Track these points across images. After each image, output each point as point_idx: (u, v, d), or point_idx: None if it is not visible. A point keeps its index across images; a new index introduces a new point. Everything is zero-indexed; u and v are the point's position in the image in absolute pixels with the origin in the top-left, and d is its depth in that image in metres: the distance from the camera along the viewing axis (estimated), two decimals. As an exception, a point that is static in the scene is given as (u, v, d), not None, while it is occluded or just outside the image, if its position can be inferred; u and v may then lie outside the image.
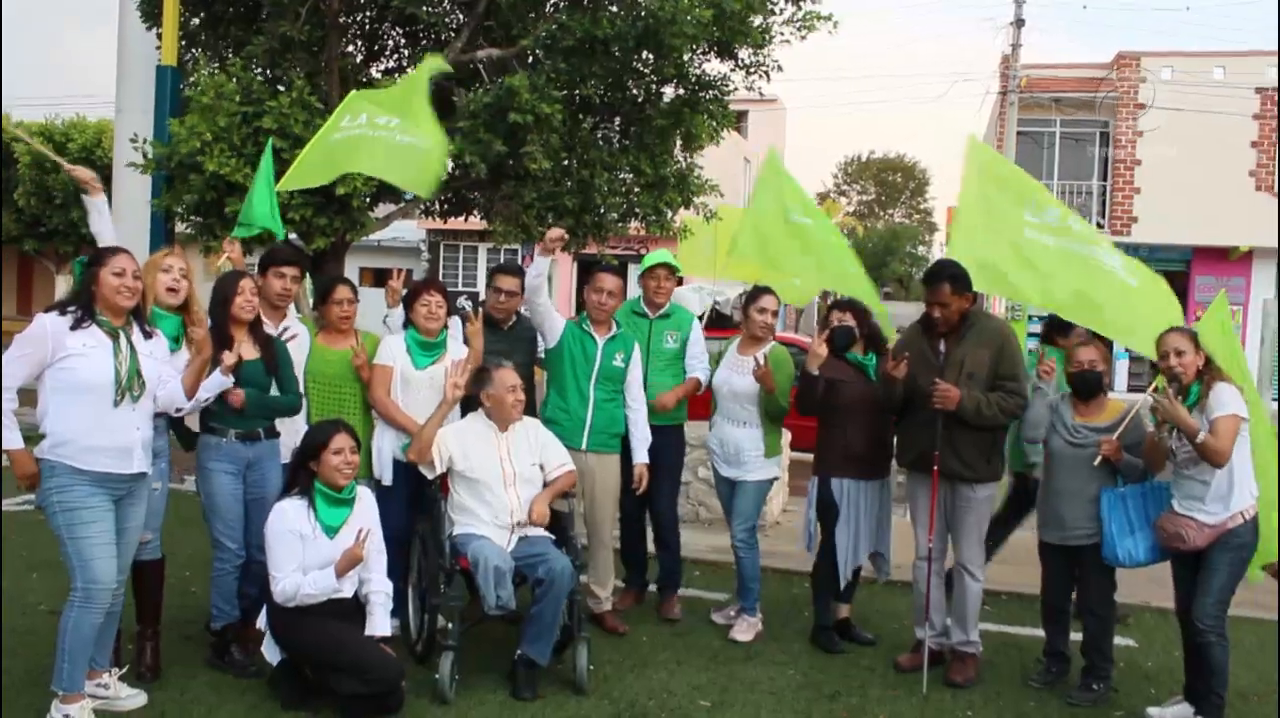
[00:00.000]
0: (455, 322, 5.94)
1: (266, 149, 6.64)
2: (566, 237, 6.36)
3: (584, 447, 5.90)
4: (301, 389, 5.47)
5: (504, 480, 5.26)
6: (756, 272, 7.38)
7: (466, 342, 5.74)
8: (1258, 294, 22.35)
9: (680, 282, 6.66)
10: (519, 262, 29.26)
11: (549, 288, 6.20)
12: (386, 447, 5.58)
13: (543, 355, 6.22)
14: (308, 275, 6.33)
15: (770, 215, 6.31)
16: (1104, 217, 24.92)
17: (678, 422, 6.41)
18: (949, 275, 5.40)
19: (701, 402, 6.61)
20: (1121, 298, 5.69)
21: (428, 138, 6.12)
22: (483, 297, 6.36)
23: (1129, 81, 24.41)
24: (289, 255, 5.76)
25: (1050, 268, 5.75)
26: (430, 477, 5.32)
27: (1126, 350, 23.65)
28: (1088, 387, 5.37)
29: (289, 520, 4.71)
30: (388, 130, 6.27)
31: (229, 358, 4.70)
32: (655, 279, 6.41)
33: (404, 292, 5.90)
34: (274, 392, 5.19)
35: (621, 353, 6.02)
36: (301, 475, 4.83)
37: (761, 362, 5.93)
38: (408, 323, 5.71)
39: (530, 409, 5.65)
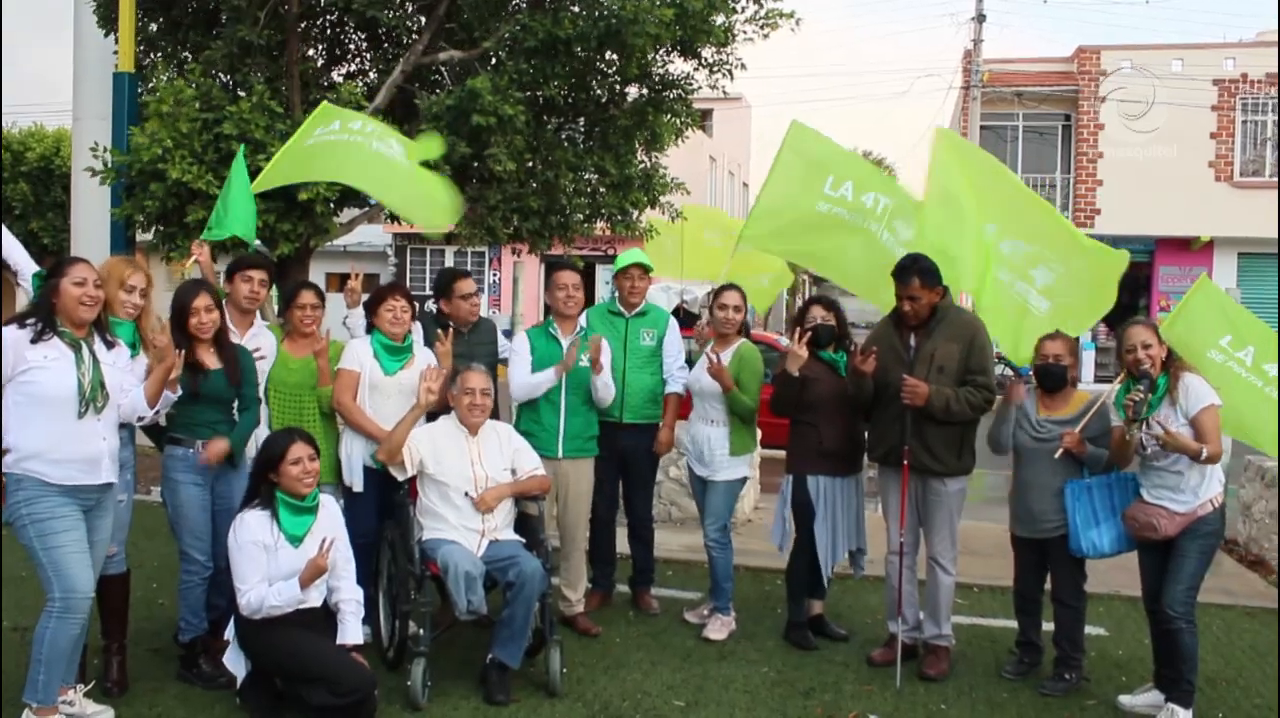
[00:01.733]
0: (416, 326, 5.89)
1: (239, 156, 6.57)
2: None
3: (560, 454, 5.90)
4: (262, 396, 5.42)
5: (474, 484, 5.23)
6: (755, 263, 7.31)
7: (429, 344, 5.72)
8: (1219, 284, 22.56)
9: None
10: (486, 265, 29.33)
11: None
12: (356, 453, 5.51)
13: (505, 357, 6.20)
14: (274, 283, 6.24)
15: (791, 197, 6.20)
16: (1068, 209, 25.13)
17: (654, 420, 6.39)
18: (919, 269, 5.40)
19: (686, 404, 6.57)
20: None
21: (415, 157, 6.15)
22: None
23: (1089, 75, 24.64)
24: (256, 259, 5.71)
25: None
26: (401, 478, 5.27)
27: (1093, 340, 23.97)
28: (1052, 379, 5.39)
29: (251, 532, 4.64)
30: (363, 136, 6.24)
31: (174, 372, 4.58)
32: (629, 279, 6.38)
33: (364, 294, 5.84)
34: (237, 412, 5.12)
35: (587, 354, 5.99)
36: (262, 487, 4.76)
37: (715, 359, 5.90)
38: (370, 327, 5.67)
39: (494, 412, 5.61)
